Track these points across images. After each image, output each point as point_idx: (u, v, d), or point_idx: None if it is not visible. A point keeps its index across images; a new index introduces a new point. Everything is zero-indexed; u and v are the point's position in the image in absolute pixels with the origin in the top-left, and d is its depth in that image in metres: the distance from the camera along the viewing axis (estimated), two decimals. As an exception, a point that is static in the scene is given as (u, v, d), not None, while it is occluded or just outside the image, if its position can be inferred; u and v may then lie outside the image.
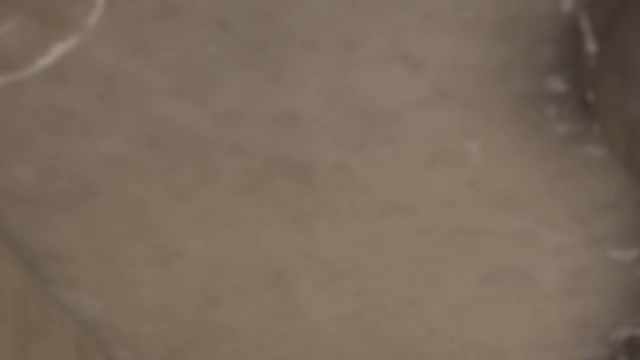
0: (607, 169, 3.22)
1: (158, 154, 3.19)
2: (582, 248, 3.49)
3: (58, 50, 2.83)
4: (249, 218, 3.38)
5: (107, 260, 3.65)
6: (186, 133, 3.15)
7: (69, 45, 2.80)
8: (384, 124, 3.05)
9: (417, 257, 3.55)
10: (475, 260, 3.57)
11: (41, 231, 3.50)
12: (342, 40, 2.77)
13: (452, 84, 2.98)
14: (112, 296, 3.88)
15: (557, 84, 2.84)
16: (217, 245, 3.57)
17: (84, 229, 3.54)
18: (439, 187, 3.25)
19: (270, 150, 3.22)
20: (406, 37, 2.78)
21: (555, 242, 3.46)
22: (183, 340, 4.19)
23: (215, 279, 3.73)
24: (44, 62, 2.89)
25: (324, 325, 3.96)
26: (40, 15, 2.65)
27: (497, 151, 3.11)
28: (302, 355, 4.25)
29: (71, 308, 3.93)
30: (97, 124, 3.12)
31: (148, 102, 3.06)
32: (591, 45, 2.65)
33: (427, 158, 3.20)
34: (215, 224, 3.46)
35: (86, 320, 3.98)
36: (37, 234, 3.56)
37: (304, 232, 3.46)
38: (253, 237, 3.48)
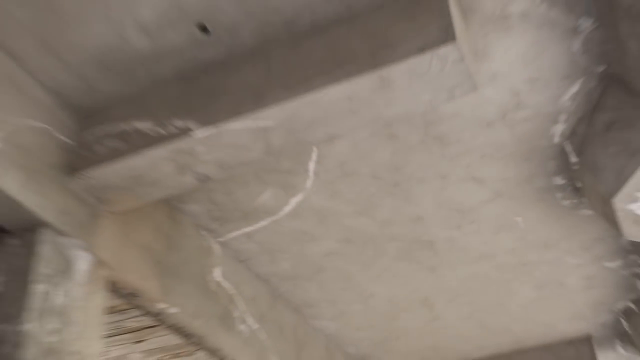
0: (595, 221, 3.13)
1: (353, 246, 3.23)
2: (590, 264, 3.40)
3: (294, 201, 2.92)
4: (405, 272, 3.41)
5: (335, 302, 3.69)
6: (366, 233, 3.19)
7: (299, 198, 2.88)
8: (469, 214, 3.05)
9: (499, 280, 3.52)
10: (531, 277, 3.52)
11: (298, 292, 3.55)
12: (439, 174, 2.80)
13: (503, 188, 2.96)
14: (340, 320, 3.89)
15: (559, 180, 2.82)
16: (390, 288, 3.59)
17: (321, 288, 3.58)
18: (504, 243, 3.22)
19: (411, 236, 3.22)
20: (473, 167, 2.80)
21: (574, 262, 3.38)
22: (381, 337, 4.15)
23: (392, 305, 3.74)
24: (287, 208, 2.98)
25: (455, 323, 3.92)
26: (281, 184, 2.75)
27: (533, 219, 3.08)
28: (447, 341, 4.18)
29: (321, 329, 3.95)
30: (319, 235, 3.19)
31: (344, 220, 3.11)
32: (574, 158, 2.61)
33: (495, 228, 3.17)
34: (388, 277, 3.48)
35: (330, 334, 4.00)
36: (297, 293, 3.60)
37: (435, 276, 3.46)
38: (408, 281, 3.50)
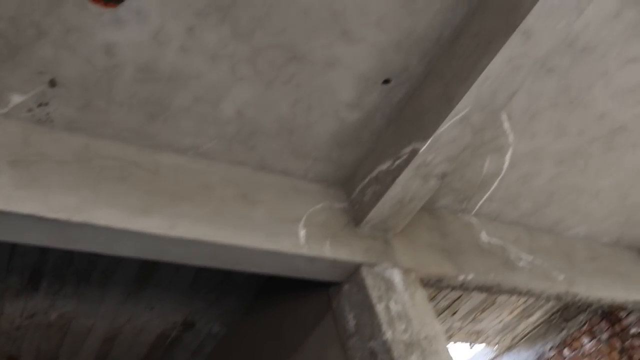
0: None
1: (566, 163, 3.04)
2: None
3: (507, 157, 2.76)
4: (615, 159, 3.17)
5: (575, 211, 3.67)
6: (571, 148, 3.03)
7: (510, 152, 2.74)
8: None
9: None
10: None
11: (544, 218, 3.61)
12: (599, 74, 2.59)
13: None
14: (586, 222, 3.80)
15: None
16: (611, 177, 3.34)
17: (559, 207, 3.44)
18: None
19: (604, 131, 2.98)
20: (623, 52, 2.60)
21: None
22: (624, 218, 3.93)
23: (619, 189, 3.62)
24: (505, 165, 2.86)
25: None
26: (493, 150, 2.59)
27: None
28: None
29: (575, 235, 3.86)
30: (538, 169, 3.16)
31: (549, 148, 3.06)
32: None
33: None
34: (604, 170, 3.29)
35: (584, 236, 3.90)
36: (544, 219, 3.65)
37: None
38: (622, 164, 3.26)
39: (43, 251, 2.79)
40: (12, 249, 2.73)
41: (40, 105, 2.14)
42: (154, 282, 3.19)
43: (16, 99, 2.11)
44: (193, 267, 3.13)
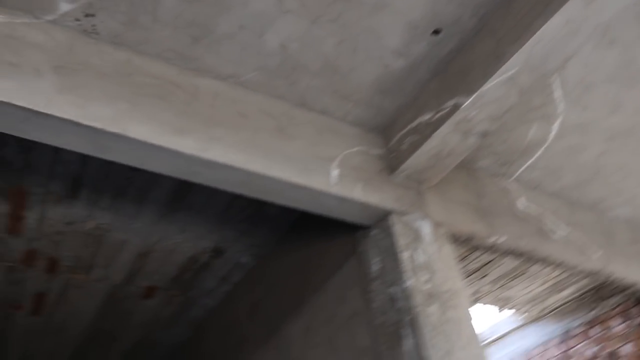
0: None
1: (617, 140, 2.96)
2: None
3: (555, 126, 2.69)
4: None
5: (621, 190, 3.56)
6: (624, 126, 2.95)
7: (559, 122, 2.68)
8: None
9: None
10: None
11: (586, 194, 3.51)
12: None
13: None
14: (632, 203, 3.67)
15: None
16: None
17: (604, 184, 3.50)
18: None
19: None
20: None
21: None
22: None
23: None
24: (552, 134, 2.80)
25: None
26: (540, 117, 2.54)
27: None
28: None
29: (617, 216, 3.70)
30: (586, 144, 3.10)
31: (601, 123, 2.89)
32: None
33: None
34: None
35: (628, 218, 3.75)
36: (586, 195, 3.55)
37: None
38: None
39: (83, 161, 2.90)
40: (55, 156, 2.85)
41: (87, 15, 2.20)
42: (187, 206, 3.31)
43: (64, 6, 2.17)
44: (226, 195, 3.21)
